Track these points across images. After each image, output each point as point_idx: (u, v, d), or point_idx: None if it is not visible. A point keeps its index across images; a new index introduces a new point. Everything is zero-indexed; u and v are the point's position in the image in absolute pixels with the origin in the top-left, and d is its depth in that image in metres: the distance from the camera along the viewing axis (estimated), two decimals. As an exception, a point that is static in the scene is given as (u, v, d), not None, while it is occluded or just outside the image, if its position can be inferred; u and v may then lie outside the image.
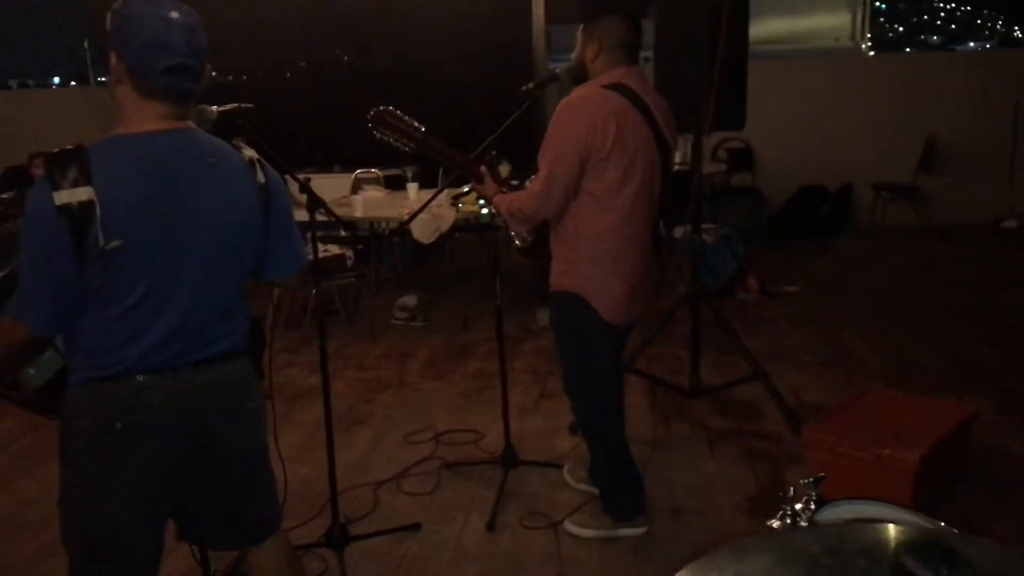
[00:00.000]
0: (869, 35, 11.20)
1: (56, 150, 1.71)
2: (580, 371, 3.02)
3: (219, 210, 1.85)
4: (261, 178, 1.94)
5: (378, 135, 2.91)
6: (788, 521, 1.54)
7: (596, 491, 3.22)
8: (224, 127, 2.10)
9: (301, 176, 2.61)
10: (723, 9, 3.69)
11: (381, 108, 2.90)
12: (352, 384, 4.77)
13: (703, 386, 4.31)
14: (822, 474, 1.61)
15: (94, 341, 1.80)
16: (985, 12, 41.17)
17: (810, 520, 1.53)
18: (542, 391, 4.54)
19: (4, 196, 6.10)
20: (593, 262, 2.82)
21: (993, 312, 5.72)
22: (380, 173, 6.78)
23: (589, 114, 2.71)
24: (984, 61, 9.99)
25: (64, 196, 1.67)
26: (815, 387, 4.44)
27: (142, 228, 1.74)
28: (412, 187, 5.90)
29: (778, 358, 4.77)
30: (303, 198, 2.62)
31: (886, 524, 1.29)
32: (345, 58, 8.23)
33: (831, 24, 11.19)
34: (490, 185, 3.00)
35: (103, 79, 10.13)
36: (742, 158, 8.56)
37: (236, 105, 2.22)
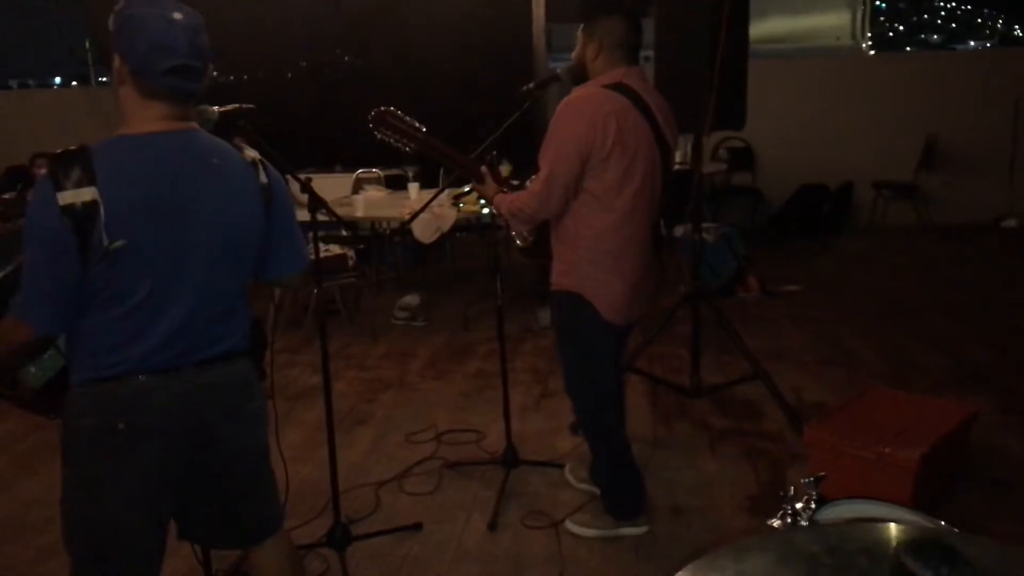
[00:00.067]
0: (869, 34, 11.22)
1: (60, 151, 1.72)
2: (581, 371, 3.02)
3: (221, 210, 1.85)
4: (263, 179, 1.95)
5: (379, 135, 2.92)
6: (789, 520, 1.54)
7: (597, 491, 3.23)
8: (225, 127, 2.11)
9: (302, 176, 2.61)
10: (723, 8, 3.69)
11: (382, 109, 2.91)
12: (353, 384, 4.78)
13: (704, 385, 4.32)
14: (822, 473, 1.61)
15: (96, 341, 1.80)
16: (985, 11, 41.17)
17: (811, 519, 1.54)
18: (543, 391, 4.54)
19: (5, 196, 6.11)
20: (594, 262, 2.83)
21: (993, 312, 5.72)
22: (381, 173, 6.78)
23: (589, 114, 2.71)
24: (984, 60, 10.01)
25: (68, 196, 1.67)
26: (816, 386, 4.44)
27: (145, 228, 1.75)
28: (413, 187, 5.90)
29: (779, 357, 4.77)
30: (304, 198, 2.62)
31: (886, 523, 1.29)
32: (346, 58, 8.23)
33: (831, 23, 11.20)
34: (491, 185, 3.00)
35: (104, 79, 10.15)
36: (742, 157, 8.56)
37: (237, 106, 2.22)
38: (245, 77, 8.08)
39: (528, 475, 3.55)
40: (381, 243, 6.94)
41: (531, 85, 3.10)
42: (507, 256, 5.63)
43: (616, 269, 2.83)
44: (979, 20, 41.78)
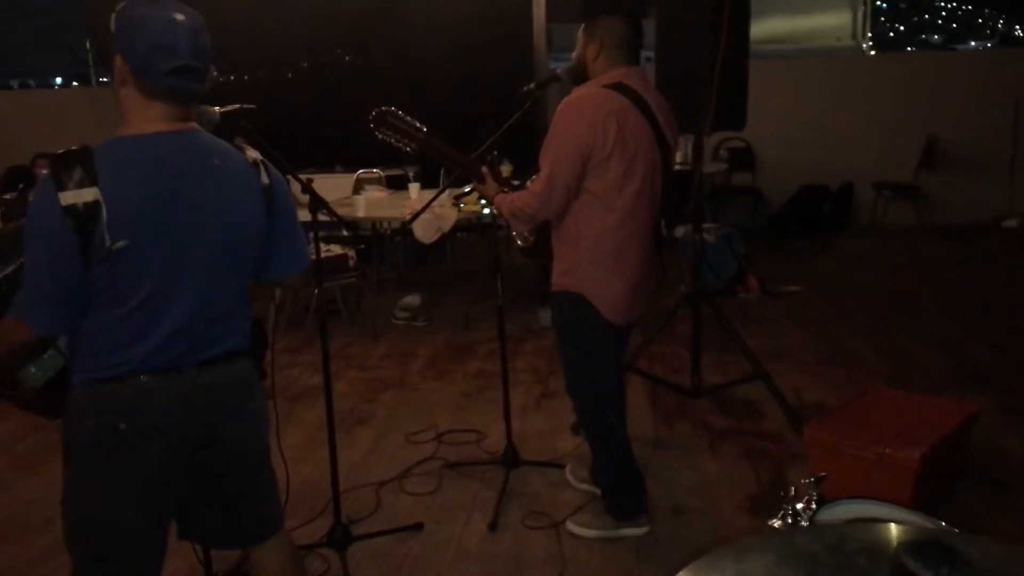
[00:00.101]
0: (870, 34, 11.21)
1: (61, 151, 1.72)
2: (582, 371, 3.03)
3: (223, 211, 1.85)
4: (265, 179, 1.95)
5: (380, 136, 2.92)
6: (789, 521, 1.54)
7: (598, 491, 3.23)
8: (226, 128, 2.11)
9: (304, 177, 2.61)
10: (724, 9, 3.69)
11: (383, 109, 2.91)
12: (354, 384, 4.78)
13: (704, 385, 4.32)
14: (823, 474, 1.62)
15: (98, 341, 1.80)
16: (986, 11, 41.17)
17: (811, 520, 1.54)
18: (544, 391, 4.55)
19: (6, 196, 6.12)
20: (594, 262, 2.83)
21: (994, 312, 5.72)
22: (382, 173, 6.78)
23: (590, 114, 2.71)
24: (985, 60, 9.99)
25: (70, 197, 1.67)
26: (816, 386, 4.44)
27: (147, 229, 1.75)
28: (414, 187, 5.91)
29: (779, 357, 4.77)
30: (306, 198, 2.63)
31: (887, 524, 1.29)
32: (346, 58, 8.23)
33: (832, 23, 11.21)
34: (491, 185, 3.01)
35: (104, 80, 10.16)
36: (743, 157, 8.56)
37: (238, 106, 2.22)
38: (245, 77, 8.08)
39: (529, 475, 3.55)
40: (382, 243, 6.95)
41: (532, 85, 3.10)
42: (508, 256, 5.63)
43: (617, 269, 2.83)
44: (980, 20, 41.77)
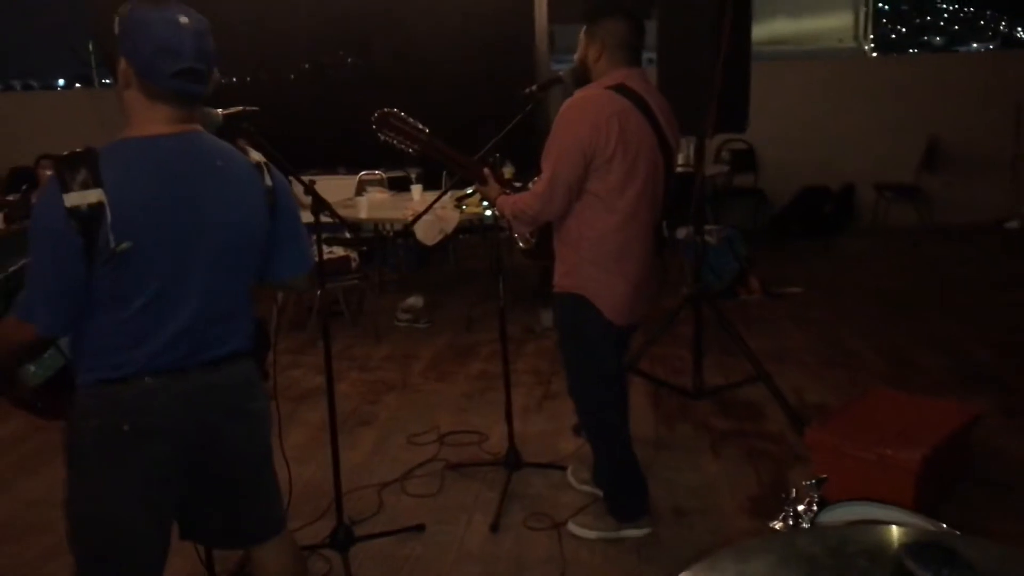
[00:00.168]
0: (872, 36, 11.20)
1: (65, 152, 1.72)
2: (584, 372, 3.03)
3: (226, 212, 1.86)
4: (268, 181, 1.96)
5: (382, 137, 2.93)
6: (790, 522, 1.55)
7: (600, 492, 3.23)
8: (229, 130, 2.12)
9: (306, 178, 2.62)
10: (725, 10, 3.69)
11: (385, 110, 2.92)
12: (356, 385, 4.79)
13: (706, 387, 4.32)
14: (824, 475, 1.62)
15: (102, 343, 1.81)
16: (988, 13, 41.13)
17: (812, 522, 1.54)
18: (545, 392, 4.55)
19: (10, 197, 6.13)
20: (596, 263, 2.83)
21: (995, 312, 5.72)
22: (384, 175, 6.79)
23: (592, 115, 2.72)
24: (986, 62, 9.99)
25: (74, 198, 1.68)
26: (817, 387, 4.44)
27: (151, 230, 1.75)
28: (416, 189, 5.91)
29: (780, 359, 4.78)
30: (308, 200, 2.63)
31: (888, 526, 1.30)
32: (348, 60, 8.23)
33: (834, 25, 11.19)
34: (493, 187, 3.01)
35: (107, 81, 10.18)
36: (745, 159, 8.57)
37: (241, 108, 2.22)
38: (247, 79, 8.09)
39: (530, 477, 3.55)
40: (384, 245, 6.96)
41: (533, 87, 3.10)
42: (509, 258, 5.62)
43: (618, 270, 2.84)
44: (981, 22, 41.73)
